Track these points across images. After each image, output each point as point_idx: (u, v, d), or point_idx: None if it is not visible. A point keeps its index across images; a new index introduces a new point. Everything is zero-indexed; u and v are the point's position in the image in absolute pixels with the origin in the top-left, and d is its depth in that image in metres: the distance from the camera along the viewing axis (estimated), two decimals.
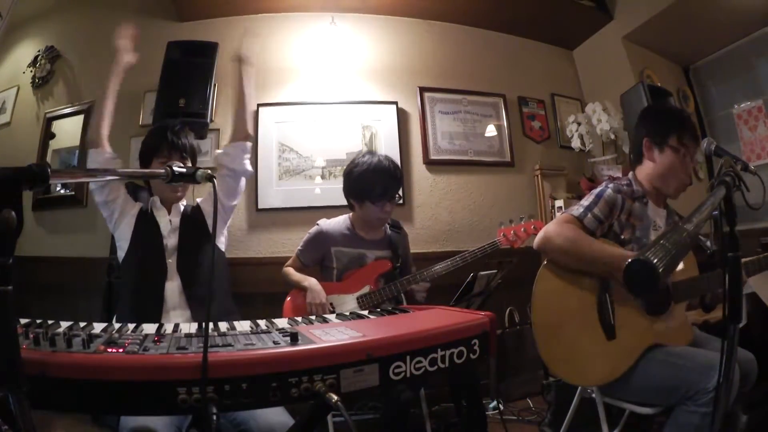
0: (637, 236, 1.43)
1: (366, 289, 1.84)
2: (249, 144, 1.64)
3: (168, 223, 1.54)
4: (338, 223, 1.95)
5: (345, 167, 1.95)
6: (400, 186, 1.89)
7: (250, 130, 1.66)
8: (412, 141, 2.94)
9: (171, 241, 1.51)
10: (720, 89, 3.45)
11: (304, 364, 0.71)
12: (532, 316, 1.37)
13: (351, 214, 1.96)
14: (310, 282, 1.81)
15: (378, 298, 1.82)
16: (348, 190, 1.89)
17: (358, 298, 1.83)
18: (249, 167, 1.65)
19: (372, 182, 1.80)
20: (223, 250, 1.65)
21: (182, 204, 1.60)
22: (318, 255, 1.93)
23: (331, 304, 1.81)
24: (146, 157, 1.55)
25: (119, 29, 1.63)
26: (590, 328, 1.34)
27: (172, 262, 1.48)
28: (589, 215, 1.39)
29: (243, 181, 1.66)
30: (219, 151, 1.62)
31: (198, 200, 1.65)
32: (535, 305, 1.38)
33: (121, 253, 1.53)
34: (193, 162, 1.60)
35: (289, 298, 1.88)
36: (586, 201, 1.44)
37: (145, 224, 1.52)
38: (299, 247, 1.96)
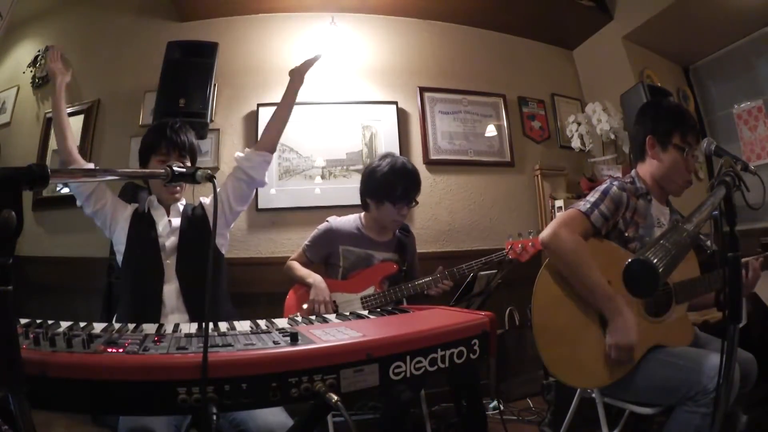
0: (641, 234, 1.43)
1: (370, 290, 1.83)
2: (272, 156, 1.64)
3: (167, 223, 1.50)
4: (348, 221, 1.95)
5: (364, 168, 1.95)
6: (419, 190, 1.89)
7: (278, 145, 1.68)
8: (412, 141, 2.94)
9: (169, 241, 1.47)
10: (720, 89, 3.45)
11: (304, 364, 0.70)
12: (533, 316, 1.36)
13: (363, 214, 1.96)
14: (315, 279, 1.81)
15: (381, 300, 1.81)
16: (367, 190, 1.88)
17: (362, 299, 1.82)
18: (266, 179, 1.65)
19: (394, 183, 1.80)
20: (223, 253, 1.62)
21: (181, 204, 1.56)
22: (325, 252, 1.92)
23: (334, 302, 1.81)
24: (145, 155, 1.52)
25: (48, 54, 1.68)
26: (591, 329, 1.34)
27: (170, 263, 1.45)
28: (596, 212, 1.39)
29: (255, 190, 1.67)
30: (240, 154, 1.59)
31: (201, 199, 1.61)
32: (536, 306, 1.37)
33: (119, 257, 1.50)
34: (193, 160, 1.57)
35: (291, 292, 1.88)
36: (592, 197, 1.43)
37: (141, 224, 1.49)
38: (306, 243, 1.96)
